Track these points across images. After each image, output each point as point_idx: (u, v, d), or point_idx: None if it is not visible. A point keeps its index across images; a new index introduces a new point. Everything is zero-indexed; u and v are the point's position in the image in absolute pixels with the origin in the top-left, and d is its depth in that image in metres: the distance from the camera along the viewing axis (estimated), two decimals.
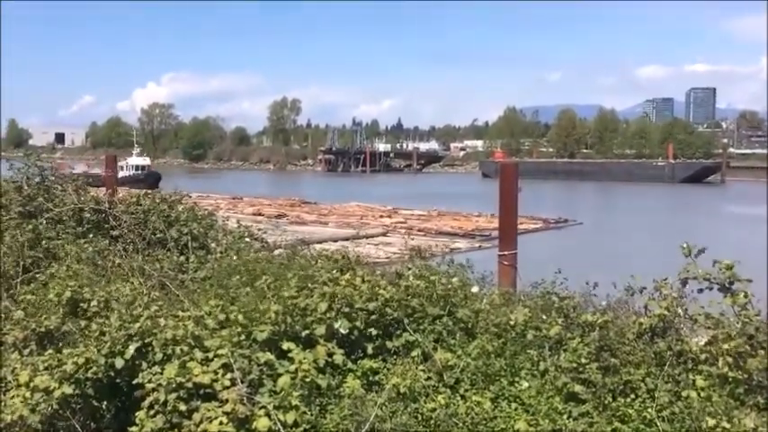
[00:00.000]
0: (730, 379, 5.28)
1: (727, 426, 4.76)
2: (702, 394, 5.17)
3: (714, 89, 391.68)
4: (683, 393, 5.22)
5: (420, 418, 5.25)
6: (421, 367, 5.68)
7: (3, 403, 5.60)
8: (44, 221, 9.73)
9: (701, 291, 5.96)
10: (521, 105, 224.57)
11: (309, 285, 6.36)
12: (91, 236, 9.68)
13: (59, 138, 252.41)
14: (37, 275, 8.17)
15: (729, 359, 5.33)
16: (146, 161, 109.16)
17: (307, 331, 5.87)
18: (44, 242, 9.18)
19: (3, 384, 5.93)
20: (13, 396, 5.62)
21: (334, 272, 6.77)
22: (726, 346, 5.38)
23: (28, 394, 5.56)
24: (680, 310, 5.93)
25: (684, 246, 6.07)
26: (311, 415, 5.18)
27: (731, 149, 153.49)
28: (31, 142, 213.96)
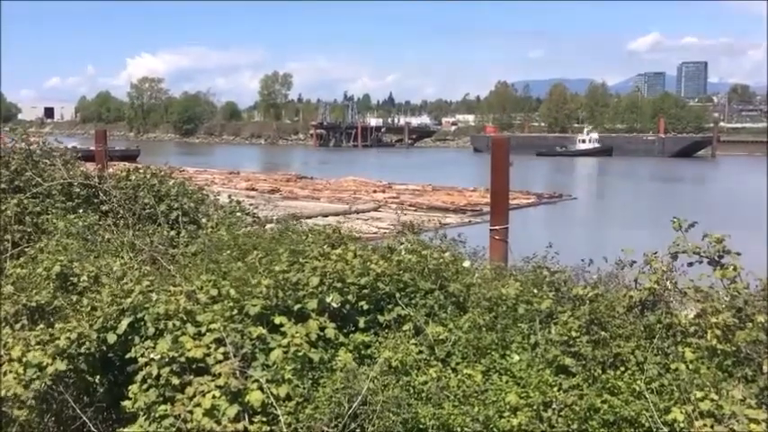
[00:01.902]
0: (719, 351, 5.32)
1: (716, 397, 4.81)
2: (691, 366, 5.21)
3: (706, 63, 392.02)
4: (672, 366, 5.26)
5: (412, 391, 5.28)
6: (413, 341, 5.70)
7: None
8: (29, 195, 9.66)
9: (690, 264, 6.00)
10: (512, 80, 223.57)
11: (301, 260, 6.36)
12: (81, 211, 9.63)
13: (49, 112, 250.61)
14: (26, 250, 8.14)
15: (718, 332, 5.37)
16: None
17: (299, 305, 5.87)
18: (29, 217, 9.13)
19: None
20: (5, 371, 5.62)
21: (325, 247, 6.77)
22: (714, 319, 5.42)
23: (21, 370, 5.57)
24: (669, 284, 5.97)
25: (675, 220, 6.10)
26: (304, 388, 5.21)
27: (722, 123, 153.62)
28: (20, 117, 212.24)
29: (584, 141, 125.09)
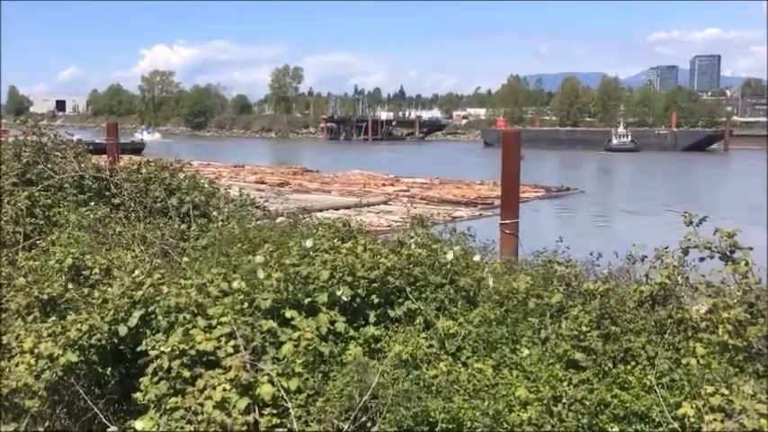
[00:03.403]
0: (730, 347, 5.30)
1: (726, 392, 4.79)
2: (702, 362, 5.19)
3: (719, 56, 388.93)
4: (683, 361, 5.24)
5: (422, 385, 5.28)
6: (423, 335, 5.70)
7: (7, 369, 5.64)
8: (41, 188, 9.70)
9: (702, 259, 5.97)
10: (524, 74, 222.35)
11: (311, 254, 6.36)
12: (92, 204, 9.67)
13: (60, 105, 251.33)
14: (38, 242, 8.18)
15: (729, 327, 5.35)
16: None
17: (309, 299, 5.88)
18: (40, 209, 9.18)
19: (7, 351, 5.97)
20: (17, 363, 5.66)
21: (336, 240, 6.77)
22: (726, 315, 5.39)
23: (32, 361, 5.60)
24: (681, 279, 5.94)
25: (686, 214, 6.07)
26: (314, 382, 5.22)
27: (735, 117, 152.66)
28: (32, 110, 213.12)
29: (621, 136, 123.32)
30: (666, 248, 6.09)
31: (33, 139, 10.82)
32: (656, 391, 5.02)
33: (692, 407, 4.79)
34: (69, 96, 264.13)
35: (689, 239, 6.00)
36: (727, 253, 5.85)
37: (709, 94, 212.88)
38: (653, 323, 5.67)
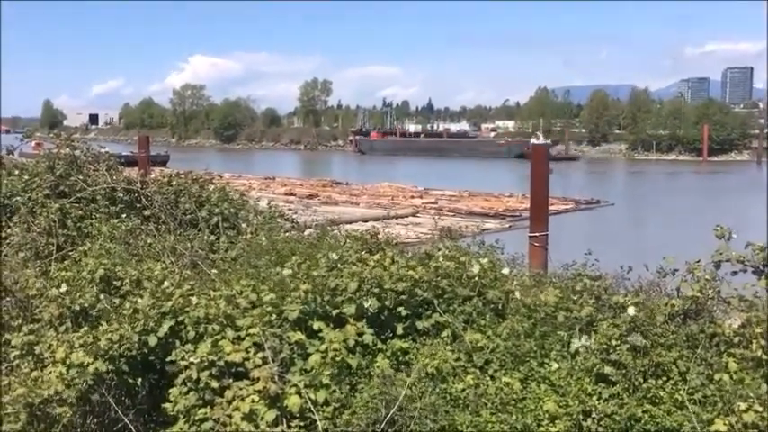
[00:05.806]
0: (764, 362, 5.21)
1: (760, 409, 4.71)
2: (735, 377, 5.12)
3: (751, 68, 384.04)
4: (716, 376, 5.17)
5: (449, 398, 5.26)
6: (450, 348, 5.68)
7: (40, 378, 5.71)
8: (73, 201, 9.84)
9: (734, 273, 5.89)
10: (552, 86, 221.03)
11: (339, 265, 6.37)
12: (123, 215, 9.79)
13: (93, 119, 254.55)
14: (70, 253, 8.29)
15: (763, 342, 5.27)
16: None
17: (337, 311, 5.89)
18: (71, 221, 9.31)
19: (40, 361, 6.05)
20: (50, 372, 5.73)
21: (364, 252, 6.78)
22: (759, 329, 5.32)
23: (64, 370, 5.67)
24: (712, 293, 5.87)
25: (718, 228, 6.00)
26: (341, 393, 5.22)
27: None
28: (66, 123, 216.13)
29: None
30: (698, 262, 6.02)
31: (66, 152, 10.98)
32: (687, 407, 4.95)
33: (724, 423, 4.72)
34: (102, 110, 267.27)
35: (721, 253, 5.93)
36: (760, 267, 5.76)
37: (742, 106, 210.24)
38: (684, 337, 5.60)
